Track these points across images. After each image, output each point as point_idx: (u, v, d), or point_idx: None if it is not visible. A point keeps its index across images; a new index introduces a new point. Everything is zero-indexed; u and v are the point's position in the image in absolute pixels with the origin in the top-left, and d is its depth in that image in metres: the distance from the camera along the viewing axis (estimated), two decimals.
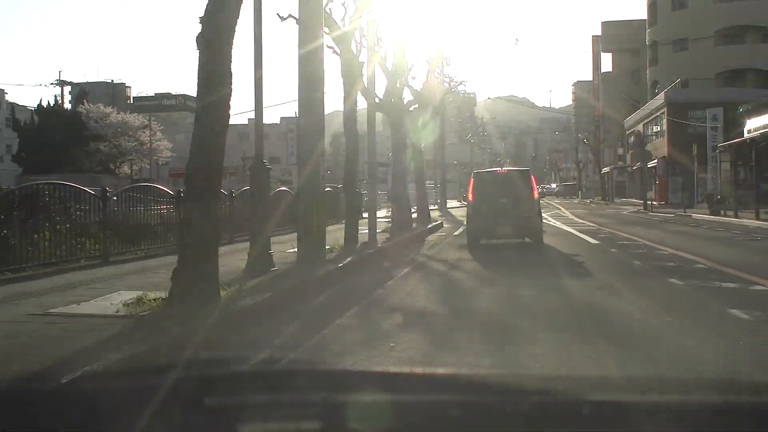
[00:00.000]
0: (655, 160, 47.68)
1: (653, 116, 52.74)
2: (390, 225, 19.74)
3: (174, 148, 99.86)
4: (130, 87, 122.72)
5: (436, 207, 42.84)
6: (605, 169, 67.48)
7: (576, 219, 30.57)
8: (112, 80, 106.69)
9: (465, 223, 17.94)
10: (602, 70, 76.10)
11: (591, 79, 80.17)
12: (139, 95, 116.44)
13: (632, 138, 62.66)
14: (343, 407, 1.25)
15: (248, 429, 1.27)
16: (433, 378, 1.37)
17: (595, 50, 76.11)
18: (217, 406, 1.28)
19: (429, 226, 22.92)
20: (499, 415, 1.20)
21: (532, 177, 16.81)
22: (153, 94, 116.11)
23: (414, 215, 24.39)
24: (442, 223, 26.39)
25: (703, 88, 49.22)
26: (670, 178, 46.03)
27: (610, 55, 75.98)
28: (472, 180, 17.08)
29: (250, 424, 1.27)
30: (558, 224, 25.98)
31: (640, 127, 57.83)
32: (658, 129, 51.94)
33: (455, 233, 21.13)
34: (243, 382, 1.38)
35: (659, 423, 1.17)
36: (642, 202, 39.91)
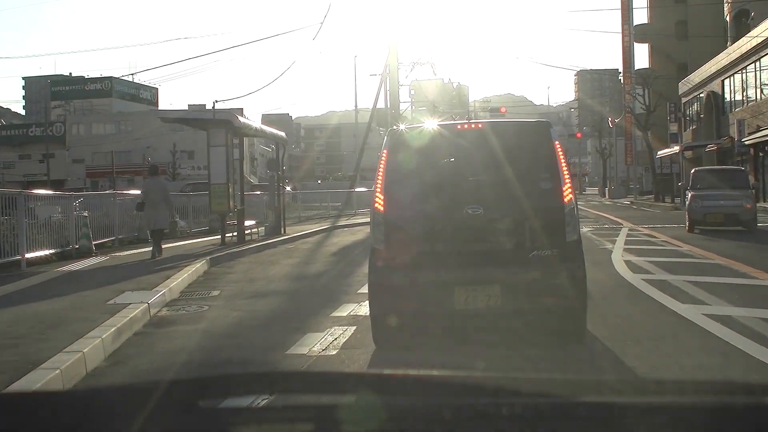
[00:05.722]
0: (761, 132, 28.17)
1: (748, 62, 32.86)
2: None
3: (93, 142, 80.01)
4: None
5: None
6: (667, 152, 42.83)
7: (715, 259, 11.05)
8: (70, 73, 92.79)
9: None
10: (635, 23, 56.90)
11: (598, 69, 60.87)
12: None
13: (695, 105, 42.81)
14: (337, 409, 1.27)
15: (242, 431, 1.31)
16: (428, 380, 1.42)
17: None
18: (211, 409, 1.30)
19: None
20: (494, 417, 1.21)
21: (559, 146, 6.16)
22: (73, 77, 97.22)
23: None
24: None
25: None
26: None
27: (645, 2, 57.41)
28: (384, 155, 6.24)
29: (244, 427, 1.29)
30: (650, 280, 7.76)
31: (715, 86, 37.98)
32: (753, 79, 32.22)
33: None
34: (237, 385, 1.43)
35: (655, 424, 1.18)
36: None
